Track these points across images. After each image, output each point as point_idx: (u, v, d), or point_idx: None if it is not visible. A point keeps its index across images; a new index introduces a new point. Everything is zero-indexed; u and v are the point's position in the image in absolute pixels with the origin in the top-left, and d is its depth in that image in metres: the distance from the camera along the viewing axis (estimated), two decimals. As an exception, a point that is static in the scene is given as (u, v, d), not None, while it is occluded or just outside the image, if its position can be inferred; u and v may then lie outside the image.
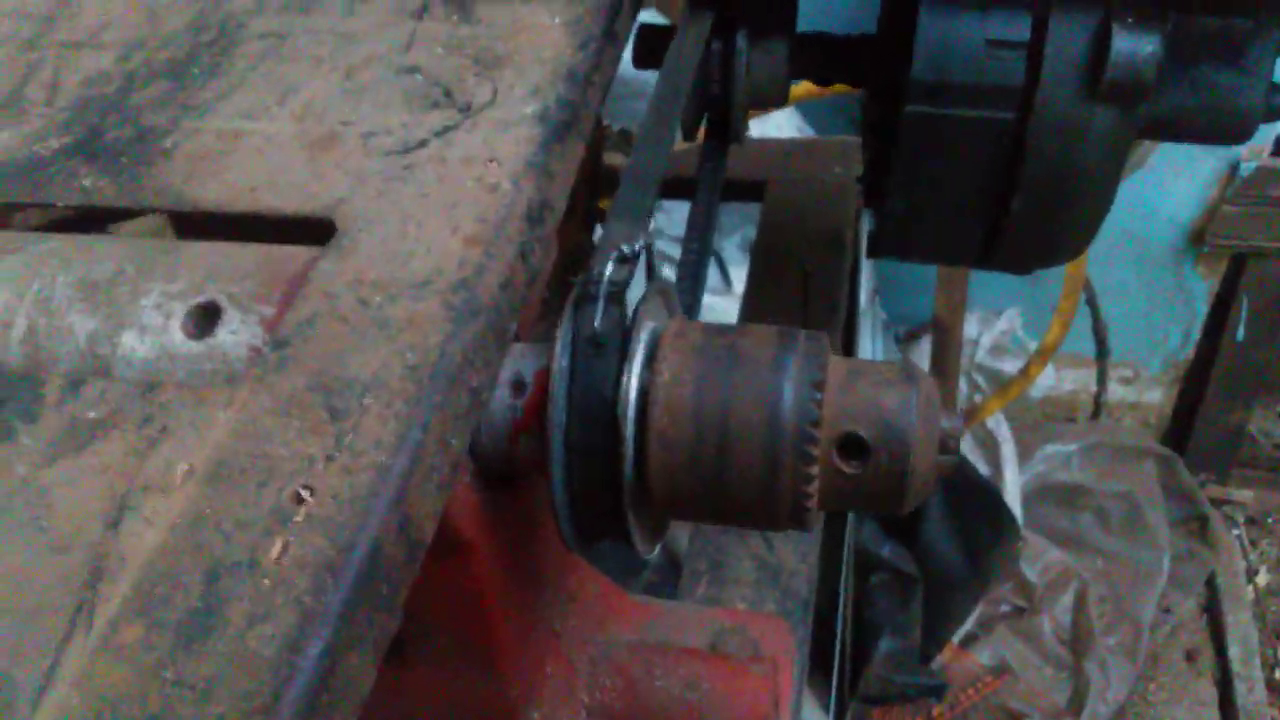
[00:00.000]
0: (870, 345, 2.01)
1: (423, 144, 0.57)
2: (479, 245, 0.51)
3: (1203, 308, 2.45)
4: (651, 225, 0.53)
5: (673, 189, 1.39)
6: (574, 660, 0.66)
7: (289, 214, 0.55)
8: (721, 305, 1.81)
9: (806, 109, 1.95)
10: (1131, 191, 2.18)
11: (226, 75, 0.64)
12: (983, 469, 2.25)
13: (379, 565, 0.40)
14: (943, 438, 0.50)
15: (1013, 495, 2.24)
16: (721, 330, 0.51)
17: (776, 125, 1.83)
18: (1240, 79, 0.71)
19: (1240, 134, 0.72)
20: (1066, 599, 2.36)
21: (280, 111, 0.61)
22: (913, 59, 0.70)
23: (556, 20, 0.66)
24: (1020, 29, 0.68)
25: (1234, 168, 2.19)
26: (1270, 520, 2.69)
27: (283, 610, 0.37)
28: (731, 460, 0.48)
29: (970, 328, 2.36)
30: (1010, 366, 2.29)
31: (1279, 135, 2.19)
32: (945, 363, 2.11)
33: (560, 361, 0.48)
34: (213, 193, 0.56)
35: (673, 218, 1.98)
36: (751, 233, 1.74)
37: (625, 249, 0.50)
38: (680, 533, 1.08)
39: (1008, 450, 2.26)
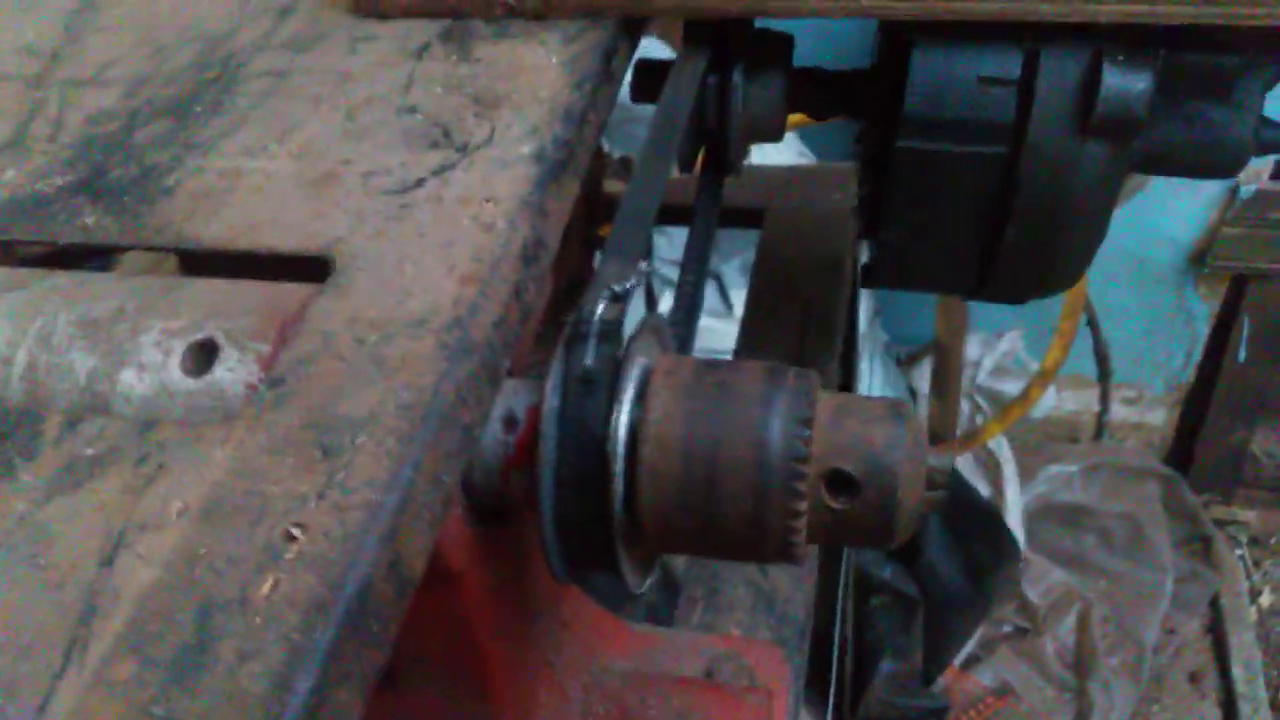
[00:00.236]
0: (871, 368, 2.01)
1: (420, 183, 0.58)
2: (474, 284, 0.52)
3: (1204, 329, 2.46)
4: (644, 262, 0.54)
5: (673, 216, 1.41)
6: (567, 688, 0.67)
7: (288, 252, 0.56)
8: (722, 328, 1.82)
9: (807, 135, 1.96)
10: (1133, 213, 2.19)
11: (228, 113, 0.66)
12: (984, 490, 2.25)
13: (369, 603, 0.40)
14: (930, 474, 0.50)
15: (1014, 516, 2.25)
16: (712, 367, 0.52)
17: (778, 151, 1.84)
18: (1230, 114, 0.72)
19: (1231, 168, 0.73)
20: (1069, 620, 2.36)
21: (280, 150, 0.62)
22: (906, 95, 0.71)
23: (554, 60, 0.67)
24: (1012, 66, 0.69)
25: (1234, 190, 2.20)
26: (1274, 540, 2.68)
27: (273, 647, 0.38)
28: (720, 496, 0.49)
29: (972, 350, 2.36)
30: (1012, 388, 2.30)
31: (1278, 160, 2.20)
32: (946, 384, 2.11)
33: (551, 400, 0.49)
34: (213, 231, 0.57)
35: (674, 241, 2.00)
36: (752, 256, 1.75)
37: (617, 288, 0.51)
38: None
39: (1009, 470, 2.27)
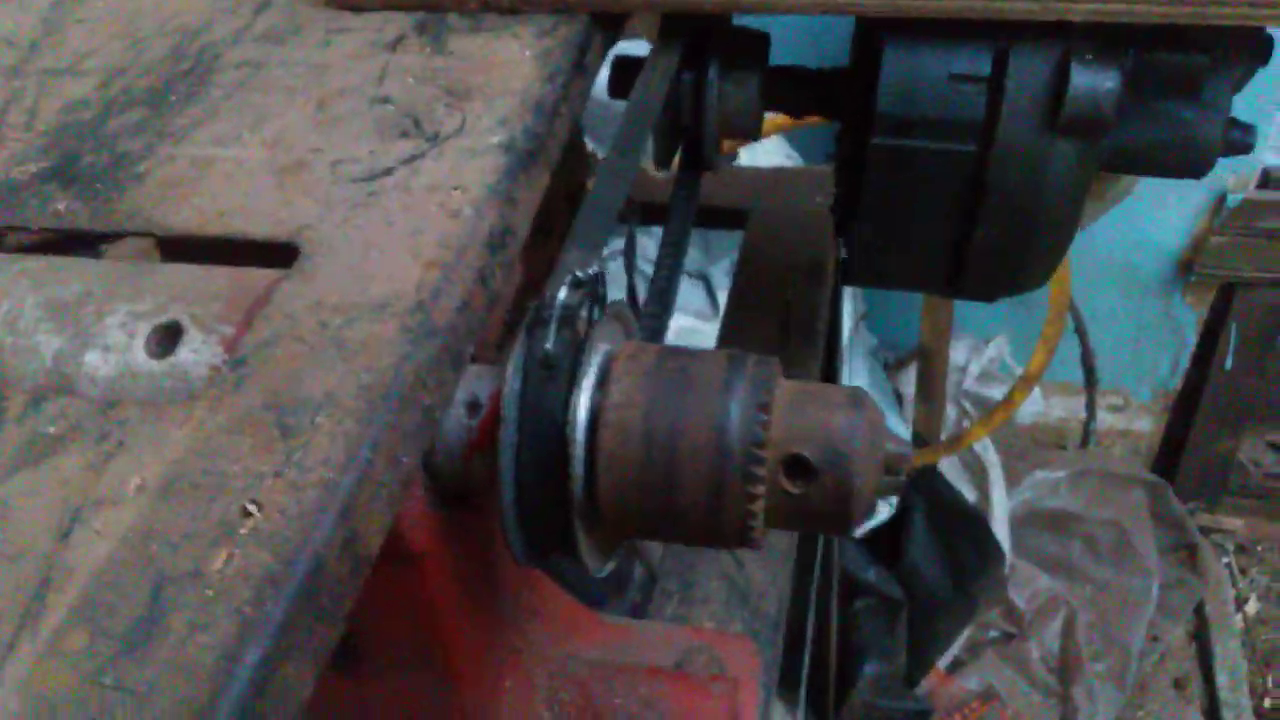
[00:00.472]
0: (853, 371, 2.02)
1: (389, 172, 0.59)
2: (438, 269, 0.52)
3: (1191, 336, 2.47)
4: (606, 252, 0.54)
5: (658, 215, 1.41)
6: (534, 676, 0.67)
7: (256, 238, 0.56)
8: (710, 330, 1.82)
9: (794, 138, 1.97)
10: (1120, 221, 2.20)
11: (202, 103, 0.66)
12: (970, 494, 2.25)
13: (322, 578, 0.41)
14: (888, 460, 0.51)
15: (1000, 521, 2.25)
16: (674, 354, 0.52)
17: (765, 153, 1.85)
18: (1199, 113, 0.72)
19: (1200, 167, 0.74)
20: (1055, 625, 2.36)
21: (252, 139, 0.63)
22: (878, 92, 0.71)
23: (527, 53, 0.67)
24: (982, 64, 0.70)
25: (1221, 199, 2.21)
26: (1260, 549, 2.69)
27: (223, 620, 0.39)
28: (679, 480, 0.49)
29: (959, 355, 2.37)
30: (999, 393, 2.30)
31: (1265, 168, 2.21)
32: (931, 388, 2.12)
33: (512, 383, 0.49)
34: (182, 217, 0.58)
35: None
36: (739, 258, 1.75)
37: (579, 274, 0.51)
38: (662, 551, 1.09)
39: (995, 475, 2.27)
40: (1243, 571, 2.66)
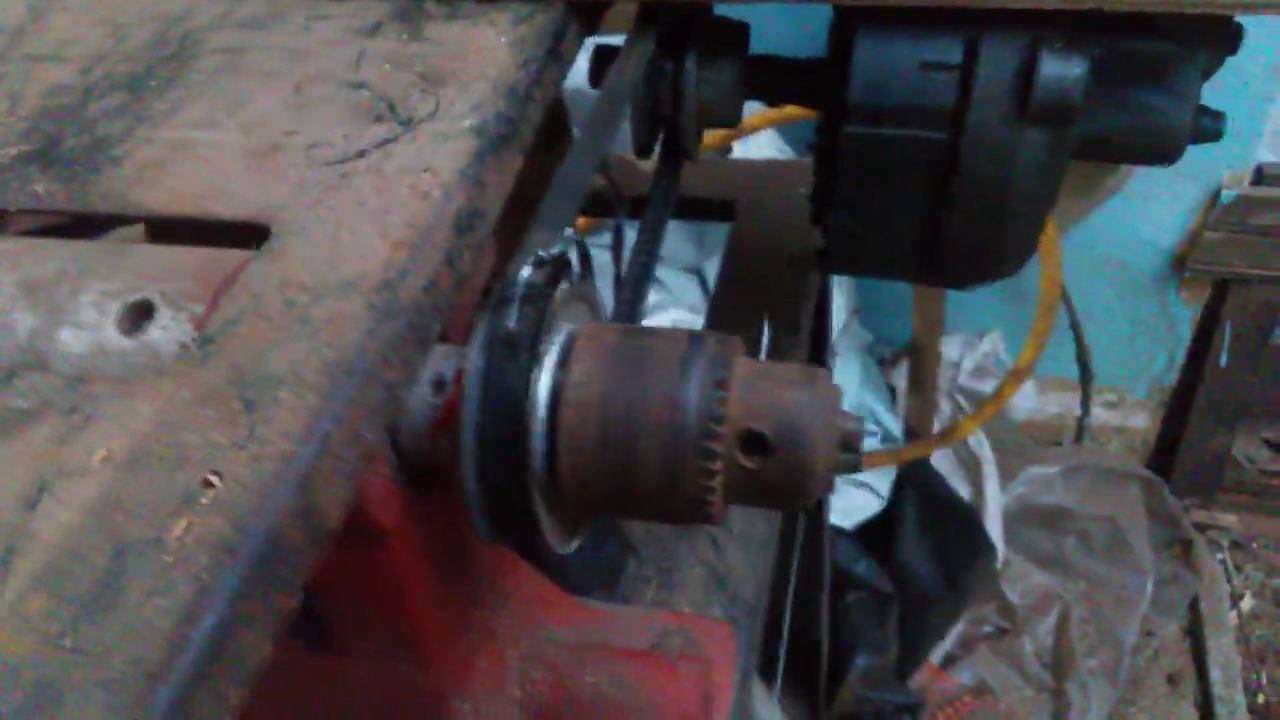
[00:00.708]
0: (845, 365, 2.03)
1: (361, 155, 0.60)
2: (406, 249, 0.53)
3: (1186, 333, 2.47)
4: (572, 230, 0.55)
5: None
6: (506, 657, 0.68)
7: (228, 219, 0.57)
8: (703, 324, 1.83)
9: (788, 131, 1.97)
10: (1113, 217, 2.21)
11: (181, 88, 0.67)
12: (964, 490, 2.26)
13: (278, 547, 0.42)
14: (844, 436, 0.52)
15: (994, 516, 2.26)
16: (636, 333, 0.53)
17: (758, 147, 1.86)
18: (1168, 101, 0.73)
19: (1170, 154, 0.75)
20: (1049, 621, 2.37)
21: (229, 123, 0.63)
22: (850, 80, 0.72)
23: (503, 40, 0.68)
24: (953, 52, 0.71)
25: (1215, 195, 2.21)
26: (1255, 545, 2.69)
27: (181, 585, 0.39)
28: (637, 457, 0.50)
29: (953, 351, 2.38)
30: (993, 389, 2.31)
31: (1259, 165, 2.21)
32: (922, 381, 2.13)
33: (474, 361, 0.50)
34: (157, 199, 0.59)
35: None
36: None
37: (542, 254, 0.52)
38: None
39: (989, 470, 2.28)
40: (1238, 568, 2.67)
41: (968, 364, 2.35)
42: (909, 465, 2.09)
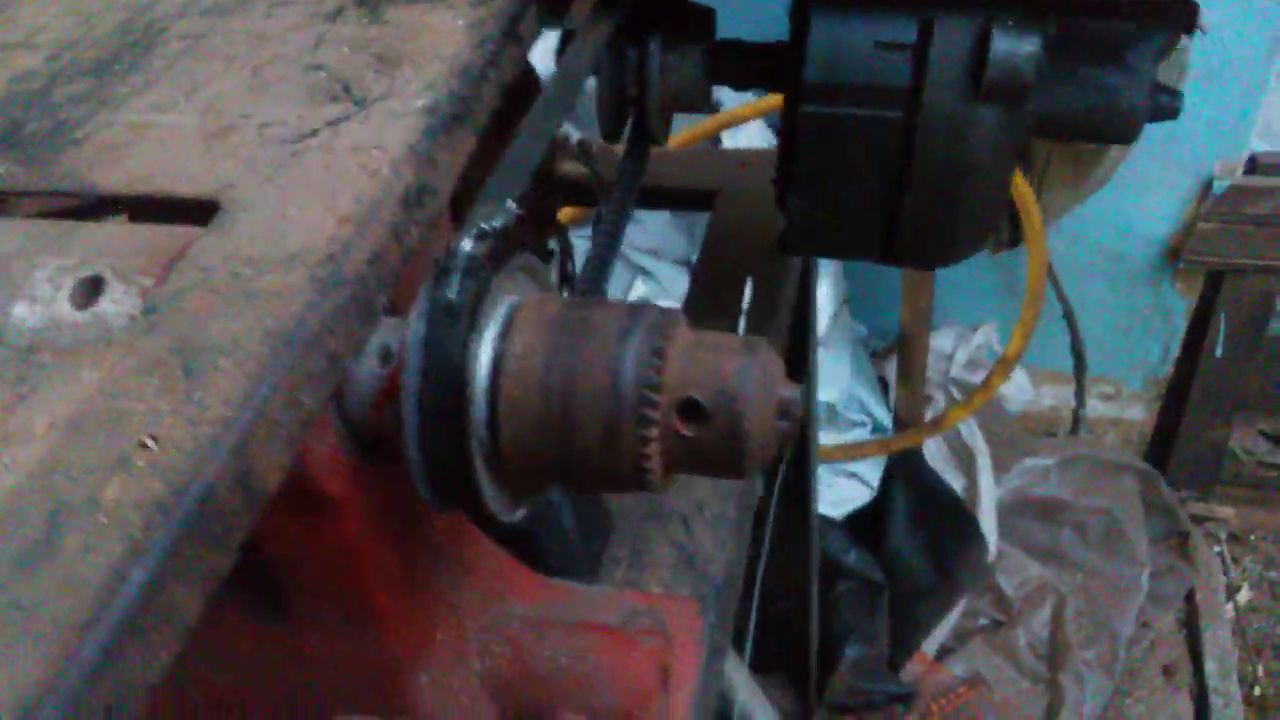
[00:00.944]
0: (836, 356, 2.03)
1: (314, 133, 0.61)
2: (351, 224, 0.54)
3: (1181, 324, 2.47)
4: (513, 203, 0.56)
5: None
6: (466, 630, 0.69)
7: (181, 197, 0.58)
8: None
9: (776, 121, 1.98)
10: (1107, 207, 2.21)
11: (144, 73, 0.68)
12: (959, 481, 2.26)
13: (212, 508, 0.43)
14: (781, 405, 0.52)
15: (988, 507, 2.26)
16: (578, 304, 0.54)
17: (747, 137, 1.87)
18: (1124, 79, 0.73)
19: (1127, 133, 0.75)
20: (1044, 613, 2.37)
21: (187, 105, 0.65)
22: (805, 61, 0.73)
23: (459, 22, 0.69)
24: (907, 31, 0.72)
25: (1208, 185, 2.21)
26: (1253, 537, 2.69)
27: (114, 543, 0.41)
28: (576, 424, 0.51)
29: (947, 343, 2.38)
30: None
31: (1252, 154, 2.21)
32: (911, 371, 2.13)
33: (415, 330, 0.51)
34: (114, 178, 0.60)
35: (647, 229, 2.02)
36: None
37: (485, 226, 0.53)
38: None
39: (983, 463, 2.28)
40: (1235, 560, 2.67)
41: (961, 356, 2.36)
42: (898, 456, 2.10)
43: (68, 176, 0.61)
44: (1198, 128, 2.12)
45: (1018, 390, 2.54)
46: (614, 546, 0.92)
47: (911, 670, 2.20)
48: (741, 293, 1.19)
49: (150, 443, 0.44)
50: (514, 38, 0.70)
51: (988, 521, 2.26)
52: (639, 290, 1.92)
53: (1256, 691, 2.42)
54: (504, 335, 0.52)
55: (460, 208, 0.62)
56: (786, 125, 0.82)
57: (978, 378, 2.31)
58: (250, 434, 0.45)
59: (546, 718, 0.69)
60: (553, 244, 1.29)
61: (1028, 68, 0.69)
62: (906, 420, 2.14)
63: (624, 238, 1.99)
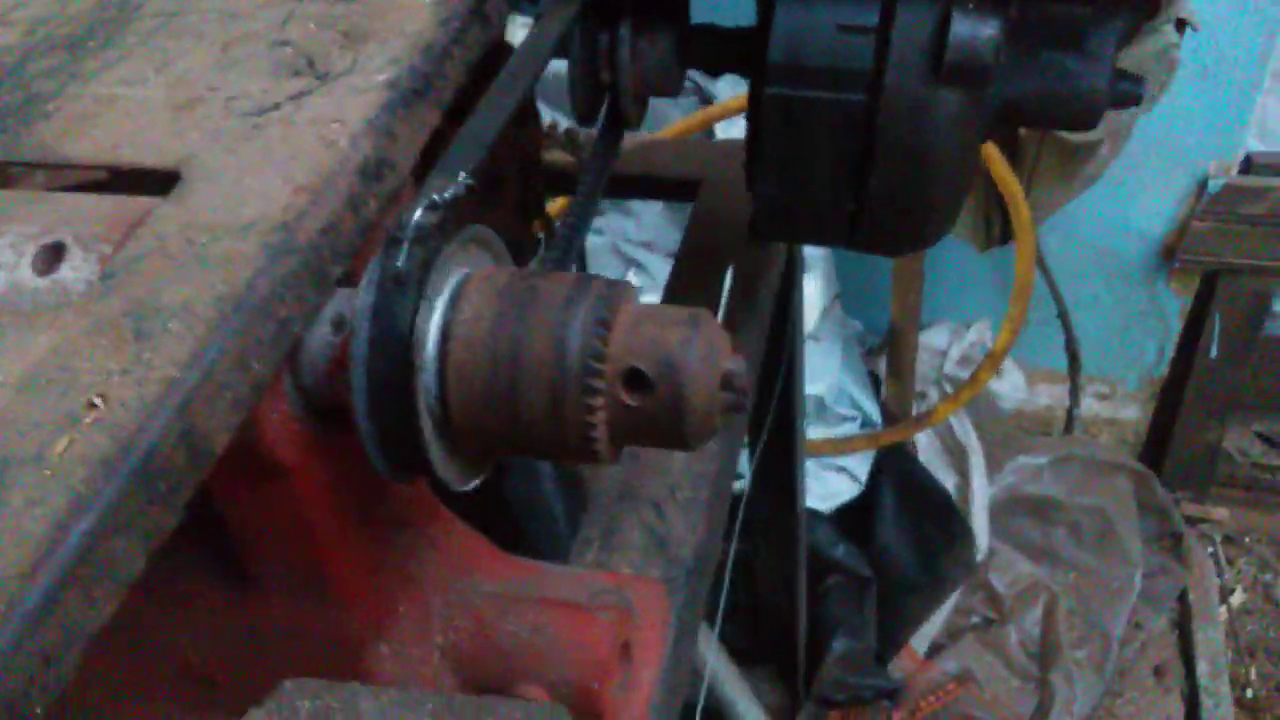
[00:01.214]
0: (826, 351, 2.04)
1: (276, 107, 0.62)
2: (306, 194, 0.55)
3: (1176, 324, 2.47)
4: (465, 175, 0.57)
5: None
6: (430, 604, 0.70)
7: (144, 167, 0.59)
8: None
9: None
10: (1101, 205, 2.21)
11: (116, 48, 0.69)
12: (951, 478, 2.27)
13: (155, 464, 0.44)
14: (726, 376, 0.53)
15: (980, 505, 2.26)
16: (527, 275, 0.55)
17: (740, 129, 1.87)
18: (1084, 65, 0.74)
19: (1088, 119, 0.76)
20: (1035, 611, 2.37)
21: (156, 79, 0.66)
22: (769, 43, 0.74)
23: (426, 0, 0.70)
24: (869, 14, 0.72)
25: (1202, 184, 2.21)
26: (1248, 540, 2.69)
27: (57, 496, 0.42)
28: (522, 392, 0.52)
29: (940, 339, 2.38)
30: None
31: (1248, 154, 2.21)
32: (901, 366, 2.14)
33: (364, 298, 0.52)
34: (81, 149, 0.61)
35: (642, 221, 2.03)
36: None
37: (436, 197, 0.54)
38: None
39: (976, 460, 2.28)
40: (1230, 562, 2.66)
41: (954, 353, 2.36)
42: (887, 451, 2.10)
43: (36, 147, 0.62)
44: (1193, 127, 2.13)
45: (1012, 389, 2.54)
46: (585, 528, 0.93)
47: (901, 666, 2.20)
48: (722, 281, 1.20)
49: (98, 401, 0.45)
50: (480, 16, 0.71)
51: (980, 519, 2.27)
52: (632, 282, 1.92)
53: (1249, 694, 2.42)
54: (453, 305, 0.53)
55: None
56: (752, 109, 0.83)
57: (969, 374, 2.32)
58: (196, 394, 0.46)
59: (506, 690, 0.70)
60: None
61: (987, 51, 0.70)
62: (896, 415, 2.15)
63: (619, 229, 2.00)
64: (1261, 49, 2.02)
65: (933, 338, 2.36)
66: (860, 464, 2.06)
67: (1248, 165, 2.21)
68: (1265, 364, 2.50)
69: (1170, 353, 2.53)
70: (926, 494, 2.11)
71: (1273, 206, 2.19)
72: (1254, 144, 2.19)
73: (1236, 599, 2.61)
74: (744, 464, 1.58)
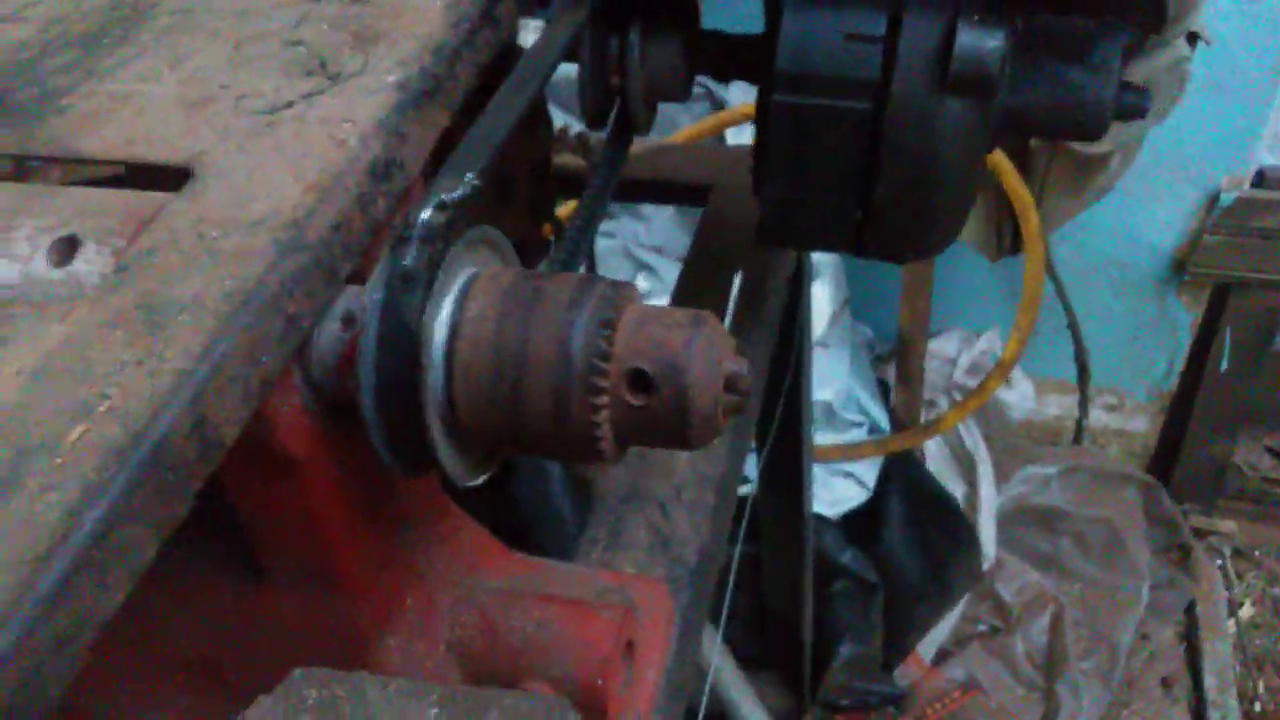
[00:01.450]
0: (835, 357, 2.04)
1: (289, 105, 0.63)
2: (316, 191, 0.56)
3: (1187, 337, 2.46)
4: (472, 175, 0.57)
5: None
6: (436, 599, 0.71)
7: (157, 163, 0.60)
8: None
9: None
10: (1113, 218, 2.21)
11: (131, 45, 0.70)
12: (959, 486, 2.27)
13: (166, 454, 0.45)
14: (729, 377, 0.54)
15: (988, 514, 2.26)
16: (534, 275, 0.56)
17: (751, 135, 1.88)
18: (1090, 76, 0.75)
19: (1093, 130, 0.76)
20: (1042, 621, 2.37)
21: (170, 76, 0.67)
22: (777, 51, 0.74)
23: (438, 3, 0.71)
24: (876, 24, 0.73)
25: (1214, 197, 2.21)
26: (1257, 553, 2.68)
27: (70, 483, 0.42)
28: (527, 391, 0.53)
29: (951, 348, 2.39)
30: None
31: (1260, 168, 2.21)
32: (909, 373, 2.14)
33: (373, 295, 0.53)
34: (94, 144, 0.62)
35: (653, 226, 2.04)
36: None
37: (444, 197, 0.55)
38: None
39: (984, 470, 2.28)
40: (1239, 576, 2.65)
41: (964, 361, 2.36)
42: (895, 457, 2.10)
43: (51, 142, 0.63)
44: (1205, 140, 2.13)
45: (1021, 399, 2.54)
46: (591, 528, 0.94)
47: (907, 673, 2.20)
48: (730, 286, 1.21)
49: (112, 391, 0.46)
50: (490, 19, 0.72)
51: (987, 528, 2.27)
52: (641, 286, 1.93)
53: (1257, 708, 2.41)
54: (461, 303, 0.54)
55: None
56: (759, 115, 0.83)
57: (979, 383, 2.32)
58: (207, 386, 0.47)
59: (511, 685, 0.71)
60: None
61: (992, 62, 0.70)
62: (905, 422, 2.15)
63: (631, 233, 2.00)
64: (1274, 63, 2.02)
65: (942, 346, 2.36)
66: (868, 470, 2.06)
67: (1260, 179, 2.20)
68: (1276, 378, 2.49)
69: (1180, 365, 2.53)
70: (934, 501, 2.11)
71: (1285, 219, 2.19)
72: (1266, 158, 2.19)
73: (1245, 612, 2.60)
74: (751, 468, 1.59)
